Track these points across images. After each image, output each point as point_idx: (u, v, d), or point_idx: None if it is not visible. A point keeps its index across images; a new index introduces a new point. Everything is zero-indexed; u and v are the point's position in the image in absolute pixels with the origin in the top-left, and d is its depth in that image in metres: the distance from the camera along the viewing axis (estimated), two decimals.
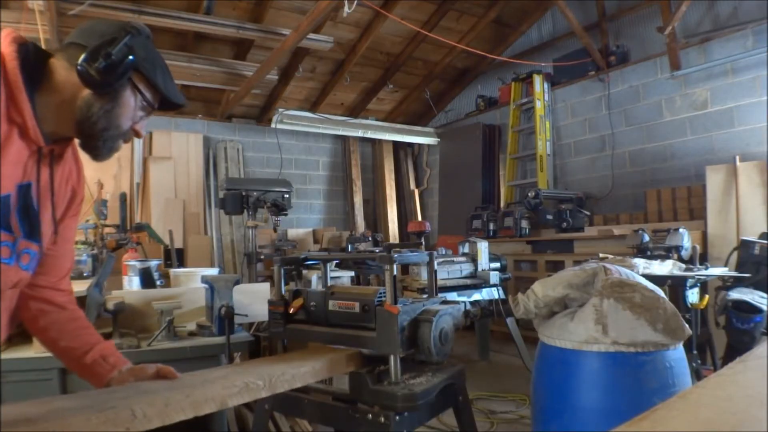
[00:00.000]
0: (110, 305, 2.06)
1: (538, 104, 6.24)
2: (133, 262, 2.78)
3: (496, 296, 4.05)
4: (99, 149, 1.10)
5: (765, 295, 2.96)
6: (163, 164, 6.11)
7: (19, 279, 1.08)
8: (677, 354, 1.77)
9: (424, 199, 8.28)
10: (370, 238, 5.44)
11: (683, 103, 5.21)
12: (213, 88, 6.21)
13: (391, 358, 1.51)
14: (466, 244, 4.34)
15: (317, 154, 7.68)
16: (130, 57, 1.04)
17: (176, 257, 4.78)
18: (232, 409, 2.74)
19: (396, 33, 6.41)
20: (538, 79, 6.28)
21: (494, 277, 4.07)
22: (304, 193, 7.44)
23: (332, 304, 1.67)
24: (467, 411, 1.71)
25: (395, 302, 1.51)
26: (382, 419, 1.46)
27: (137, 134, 1.15)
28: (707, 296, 3.04)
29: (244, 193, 4.16)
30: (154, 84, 1.12)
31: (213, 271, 3.05)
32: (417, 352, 1.54)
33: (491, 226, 6.10)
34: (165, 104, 1.18)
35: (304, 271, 3.78)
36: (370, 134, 7.44)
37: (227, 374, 1.32)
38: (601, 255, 3.54)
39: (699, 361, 2.95)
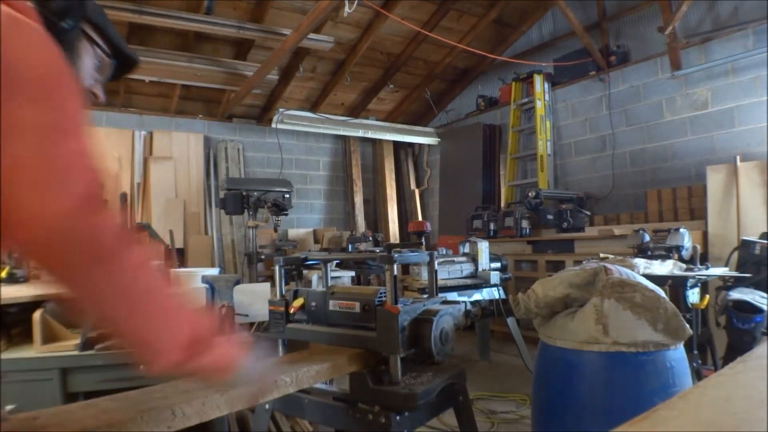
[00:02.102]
0: None
1: (539, 104, 6.24)
2: None
3: (497, 296, 4.05)
4: None
5: (765, 295, 2.96)
6: (164, 164, 6.12)
7: None
8: (678, 354, 1.77)
9: (424, 199, 8.28)
10: (370, 238, 5.44)
11: (684, 103, 5.20)
12: (213, 88, 6.22)
13: (392, 358, 1.51)
14: (467, 244, 4.34)
15: (318, 154, 7.68)
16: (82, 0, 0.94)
17: (177, 257, 4.79)
18: None
19: (396, 33, 6.41)
20: (538, 79, 6.28)
21: (495, 277, 4.07)
22: (304, 193, 7.44)
23: (333, 304, 1.67)
24: (468, 411, 1.71)
25: (396, 302, 1.51)
26: (383, 419, 1.46)
27: (96, 97, 1.03)
28: (708, 296, 3.04)
29: (244, 193, 4.17)
30: (108, 35, 1.01)
31: (213, 271, 3.05)
32: (417, 352, 1.54)
33: (492, 226, 6.10)
34: (120, 62, 1.07)
35: (305, 271, 3.77)
36: (370, 134, 7.44)
37: None
38: (601, 255, 3.54)
39: (699, 361, 2.95)
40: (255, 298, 2.35)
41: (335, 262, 1.96)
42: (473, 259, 4.17)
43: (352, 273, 4.34)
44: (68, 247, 0.68)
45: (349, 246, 5.43)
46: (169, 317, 0.78)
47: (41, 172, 0.65)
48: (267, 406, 1.77)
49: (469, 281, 4.02)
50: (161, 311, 0.77)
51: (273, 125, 6.52)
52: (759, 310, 2.86)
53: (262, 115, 7.15)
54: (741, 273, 3.19)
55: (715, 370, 3.06)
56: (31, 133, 0.65)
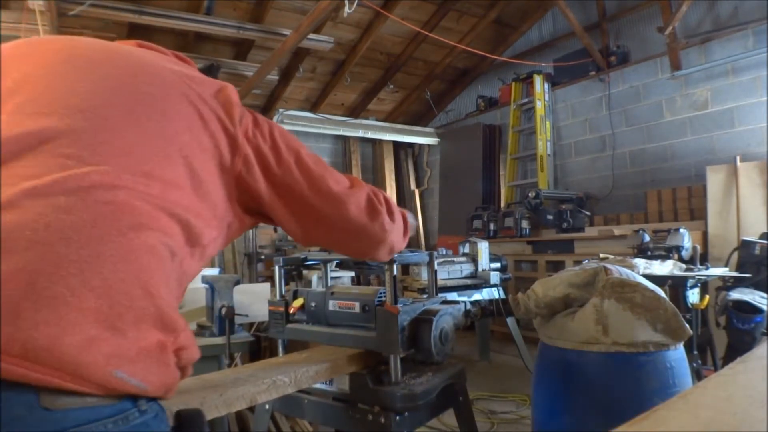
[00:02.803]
0: None
1: (539, 104, 6.24)
2: None
3: (497, 296, 4.04)
4: None
5: (765, 295, 2.96)
6: None
7: None
8: (678, 354, 1.76)
9: (424, 199, 8.28)
10: None
11: (684, 103, 5.21)
12: None
13: (391, 358, 1.51)
14: (467, 244, 4.34)
15: (318, 155, 7.66)
16: None
17: None
18: None
19: (396, 33, 6.41)
20: (538, 80, 6.28)
21: (494, 277, 4.07)
22: None
23: (332, 305, 1.67)
24: (468, 411, 1.71)
25: (395, 302, 1.51)
26: (383, 419, 1.46)
27: None
28: (708, 296, 3.03)
29: None
30: None
31: (213, 272, 3.05)
32: (417, 352, 1.54)
33: (492, 226, 6.10)
34: None
35: (305, 272, 3.78)
36: (370, 134, 7.44)
37: (254, 372, 1.35)
38: (601, 255, 3.54)
39: (699, 362, 2.94)
40: (255, 299, 2.35)
41: (335, 262, 1.95)
42: (473, 259, 4.16)
43: (352, 273, 4.34)
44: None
45: None
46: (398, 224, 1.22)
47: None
48: (267, 407, 1.76)
49: (468, 281, 4.01)
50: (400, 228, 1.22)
51: None
52: (759, 311, 2.86)
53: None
54: (741, 273, 3.18)
55: (715, 370, 3.06)
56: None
